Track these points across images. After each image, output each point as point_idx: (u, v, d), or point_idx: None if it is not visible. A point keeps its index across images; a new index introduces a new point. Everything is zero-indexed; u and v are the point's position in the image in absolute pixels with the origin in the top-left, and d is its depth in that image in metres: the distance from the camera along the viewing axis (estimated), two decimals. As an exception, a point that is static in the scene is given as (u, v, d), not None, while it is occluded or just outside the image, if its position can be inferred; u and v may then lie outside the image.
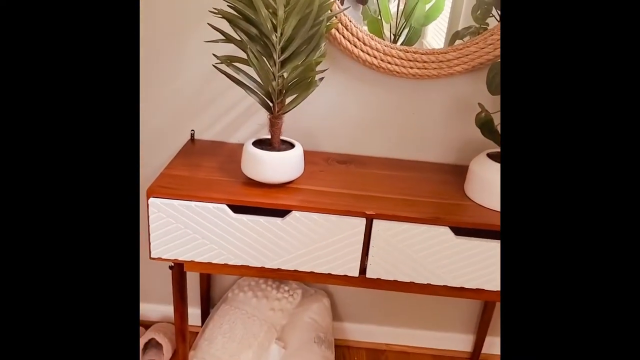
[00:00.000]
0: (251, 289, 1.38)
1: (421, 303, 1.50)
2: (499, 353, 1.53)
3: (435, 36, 1.23)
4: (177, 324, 1.17)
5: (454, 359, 1.54)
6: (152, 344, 1.44)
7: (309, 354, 1.29)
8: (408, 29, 1.24)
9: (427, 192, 1.11)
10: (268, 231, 1.02)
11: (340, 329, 1.54)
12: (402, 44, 1.19)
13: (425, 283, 1.06)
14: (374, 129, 1.27)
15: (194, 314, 1.52)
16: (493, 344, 1.53)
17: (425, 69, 1.16)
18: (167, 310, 1.55)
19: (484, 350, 1.54)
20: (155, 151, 1.32)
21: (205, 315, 1.50)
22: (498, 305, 1.47)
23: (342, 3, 1.16)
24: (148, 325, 1.51)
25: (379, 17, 1.20)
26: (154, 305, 1.55)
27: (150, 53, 1.21)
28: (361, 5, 1.20)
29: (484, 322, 1.46)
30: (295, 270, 1.06)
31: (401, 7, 1.22)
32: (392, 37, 1.23)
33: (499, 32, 1.13)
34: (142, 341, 1.39)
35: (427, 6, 1.22)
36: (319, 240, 1.02)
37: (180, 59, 1.22)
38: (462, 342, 1.55)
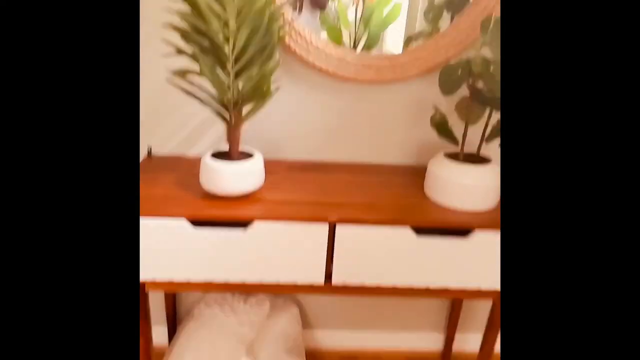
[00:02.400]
0: (218, 303, 1.35)
1: (390, 304, 1.51)
2: (470, 350, 1.56)
3: (395, 41, 1.25)
4: (142, 345, 1.13)
5: (426, 358, 1.55)
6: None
7: (280, 366, 1.28)
8: (367, 34, 1.26)
9: (389, 195, 1.12)
10: (230, 244, 1.00)
11: (312, 337, 1.53)
12: (362, 50, 1.20)
13: (391, 286, 1.06)
14: (335, 135, 1.28)
15: (160, 331, 1.48)
16: (463, 340, 1.56)
17: (381, 74, 1.18)
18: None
19: (454, 348, 1.56)
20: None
21: (172, 333, 1.46)
22: (466, 301, 1.50)
23: (299, 11, 1.16)
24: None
25: (338, 24, 1.21)
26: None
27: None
28: (319, 12, 1.20)
29: (453, 319, 1.48)
30: (260, 283, 1.05)
31: (359, 13, 1.23)
32: (352, 43, 1.24)
33: (450, 35, 1.16)
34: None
35: (385, 11, 1.24)
36: (282, 250, 1.01)
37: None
38: (433, 341, 1.56)
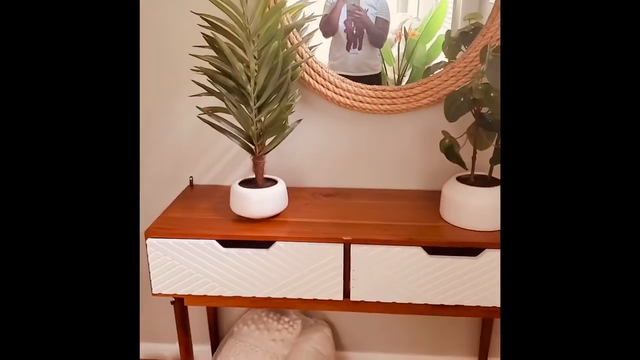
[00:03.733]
0: (254, 322, 1.45)
1: (422, 327, 1.53)
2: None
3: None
4: (183, 356, 1.25)
5: (459, 383, 1.55)
6: (166, 381, 1.52)
7: (310, 382, 1.34)
8: (411, 69, 1.35)
9: (404, 217, 1.19)
10: (255, 262, 1.11)
11: (344, 358, 1.58)
12: (406, 84, 1.29)
13: (407, 302, 1.12)
14: (354, 163, 1.37)
15: (204, 350, 1.59)
16: (497, 365, 1.54)
17: (395, 104, 1.27)
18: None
19: (489, 372, 1.55)
20: (158, 198, 1.44)
21: (215, 351, 1.57)
22: (495, 324, 1.49)
23: (359, 48, 1.29)
24: (163, 363, 1.59)
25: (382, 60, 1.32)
26: (168, 345, 1.63)
27: (144, 114, 1.36)
28: (377, 50, 1.31)
29: (484, 343, 1.48)
30: (284, 298, 1.14)
31: (402, 50, 1.33)
32: (396, 78, 1.34)
33: (459, 65, 1.23)
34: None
35: (428, 46, 1.33)
36: (303, 268, 1.10)
37: (173, 115, 1.36)
38: (467, 366, 1.56)
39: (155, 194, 1.44)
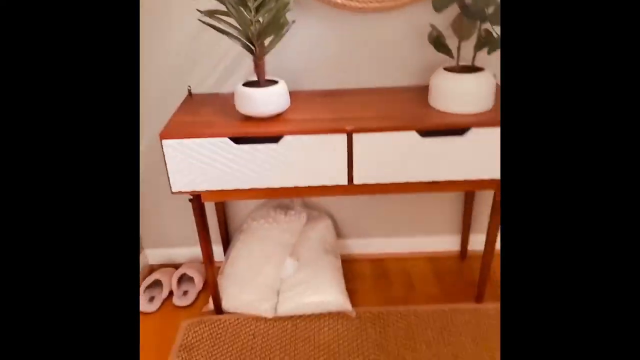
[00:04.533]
0: (263, 217, 1.59)
1: (410, 211, 1.71)
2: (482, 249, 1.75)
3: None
4: (203, 248, 1.38)
5: (445, 258, 1.76)
6: (185, 278, 1.67)
7: (319, 262, 1.52)
8: None
9: (398, 109, 1.30)
10: (267, 155, 1.21)
11: (344, 245, 1.76)
12: None
13: (404, 182, 1.26)
14: (347, 64, 1.45)
15: (216, 252, 1.74)
16: (476, 240, 1.75)
17: (384, 0, 1.33)
18: (192, 251, 1.77)
19: (470, 247, 1.76)
20: (160, 109, 1.50)
21: (227, 249, 1.72)
22: (477, 203, 1.68)
23: None
24: (178, 265, 1.74)
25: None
26: (181, 249, 1.77)
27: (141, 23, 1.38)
28: None
29: (467, 221, 1.68)
30: (295, 187, 1.26)
31: None
32: None
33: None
34: (175, 277, 1.61)
35: None
36: (310, 158, 1.22)
37: (168, 22, 1.38)
38: (451, 243, 1.77)
39: (156, 106, 1.49)
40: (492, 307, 1.50)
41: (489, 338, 1.39)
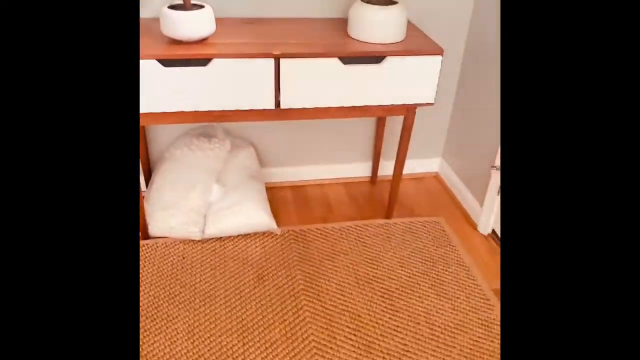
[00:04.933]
0: (185, 145, 1.62)
1: (328, 140, 1.84)
2: (389, 174, 1.96)
3: None
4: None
5: (358, 184, 1.94)
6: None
7: (245, 187, 1.60)
8: None
9: (319, 37, 1.39)
10: (195, 78, 1.24)
11: (266, 174, 1.86)
12: None
13: (325, 107, 1.37)
14: (269, -9, 1.49)
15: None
16: (385, 167, 1.95)
17: None
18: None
19: (380, 173, 1.96)
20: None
21: (148, 180, 1.73)
22: (387, 133, 1.86)
23: None
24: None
25: None
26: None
27: None
28: None
29: (377, 150, 1.85)
30: (223, 110, 1.32)
31: None
32: None
33: None
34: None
35: None
36: (239, 82, 1.27)
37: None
38: (363, 169, 1.95)
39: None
40: (400, 221, 1.72)
41: (398, 246, 1.60)
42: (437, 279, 1.48)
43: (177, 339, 1.25)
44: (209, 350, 1.22)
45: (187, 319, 1.30)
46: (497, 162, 1.56)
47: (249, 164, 1.68)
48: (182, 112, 1.30)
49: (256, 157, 1.76)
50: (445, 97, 1.85)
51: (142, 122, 1.31)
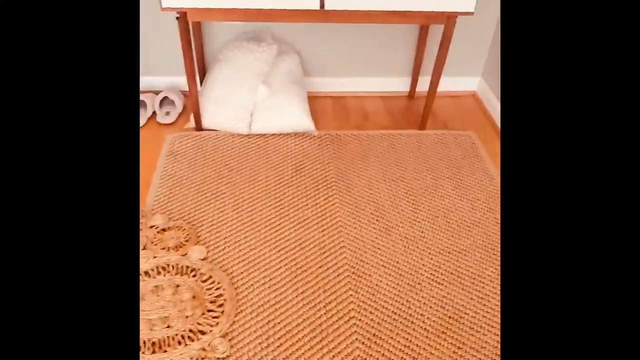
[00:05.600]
0: (237, 47, 1.75)
1: (370, 52, 1.92)
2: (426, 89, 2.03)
3: None
4: (187, 65, 1.55)
5: (396, 98, 2.03)
6: (166, 102, 1.86)
7: (288, 90, 1.73)
8: None
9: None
10: (249, -25, 1.35)
11: (309, 83, 1.98)
12: None
13: (368, 10, 1.45)
14: None
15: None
16: (424, 82, 2.02)
17: None
18: (172, 80, 1.93)
19: (417, 89, 2.03)
20: None
21: (203, 79, 1.89)
22: (427, 49, 1.91)
23: None
24: (159, 92, 1.91)
25: None
26: (161, 78, 1.92)
27: None
28: None
29: (417, 64, 1.92)
30: (271, 9, 1.42)
31: None
32: None
33: None
34: (158, 98, 1.79)
35: None
36: (288, -20, 1.37)
37: None
38: (402, 84, 2.02)
39: None
40: (432, 133, 1.81)
41: (427, 154, 1.71)
42: (460, 182, 1.60)
43: (225, 210, 1.45)
44: (250, 220, 1.42)
45: (233, 196, 1.50)
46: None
47: (294, 70, 1.80)
48: (235, 9, 1.42)
49: (300, 65, 1.87)
50: (488, 15, 1.86)
51: (198, 17, 1.44)
